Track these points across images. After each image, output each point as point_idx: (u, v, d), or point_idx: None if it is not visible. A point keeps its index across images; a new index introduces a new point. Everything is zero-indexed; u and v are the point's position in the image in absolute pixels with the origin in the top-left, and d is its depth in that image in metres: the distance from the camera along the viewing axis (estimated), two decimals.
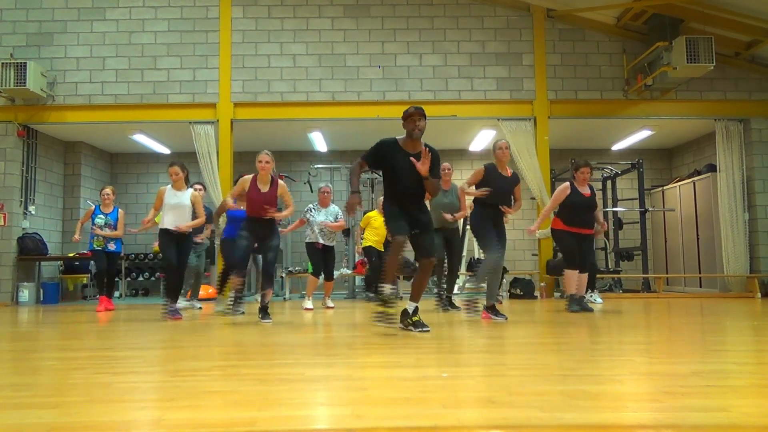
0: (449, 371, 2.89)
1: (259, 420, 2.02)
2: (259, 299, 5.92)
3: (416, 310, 4.80)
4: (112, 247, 7.83)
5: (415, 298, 4.85)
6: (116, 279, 11.08)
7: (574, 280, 6.60)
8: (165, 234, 6.43)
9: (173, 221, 6.40)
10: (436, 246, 6.74)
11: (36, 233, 10.13)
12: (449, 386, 2.52)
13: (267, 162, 5.79)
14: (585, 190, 6.60)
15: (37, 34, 10.07)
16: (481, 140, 11.62)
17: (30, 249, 9.85)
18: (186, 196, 6.51)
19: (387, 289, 4.66)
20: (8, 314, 7.53)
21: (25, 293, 9.67)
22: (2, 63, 9.38)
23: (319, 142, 11.80)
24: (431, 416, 2.02)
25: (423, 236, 4.80)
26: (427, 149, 4.71)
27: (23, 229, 10.04)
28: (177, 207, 6.44)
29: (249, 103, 10.03)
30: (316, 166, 11.67)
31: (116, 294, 11.03)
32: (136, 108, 9.99)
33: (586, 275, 6.68)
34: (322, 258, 7.62)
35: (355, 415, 2.04)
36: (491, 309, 5.66)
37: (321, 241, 7.54)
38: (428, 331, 4.65)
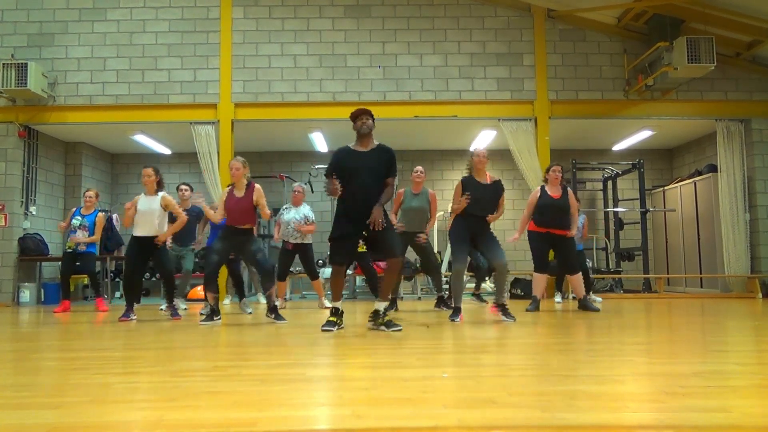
0: (450, 371, 2.89)
1: (260, 420, 2.02)
2: (264, 300, 5.95)
3: (386, 310, 4.95)
4: (82, 248, 7.69)
5: (383, 297, 4.99)
6: (116, 279, 11.18)
7: (541, 283, 6.90)
8: (133, 240, 6.40)
9: (141, 229, 6.34)
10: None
11: (37, 234, 10.13)
12: (450, 386, 2.52)
13: (237, 169, 5.80)
14: (555, 192, 6.70)
15: (37, 35, 10.08)
16: (482, 140, 11.62)
17: (31, 249, 9.85)
18: (155, 201, 6.42)
19: (338, 304, 4.99)
20: (9, 315, 7.53)
21: (26, 294, 9.68)
22: (3, 64, 9.38)
23: (319, 142, 11.80)
24: (432, 416, 2.02)
25: (380, 237, 4.85)
26: (379, 146, 4.98)
27: (24, 229, 10.04)
28: (144, 213, 6.35)
29: (250, 103, 10.03)
30: (316, 167, 11.66)
31: (116, 294, 11.07)
32: (137, 108, 10.00)
33: (578, 275, 6.72)
34: (291, 259, 7.63)
35: (356, 416, 2.04)
36: (457, 310, 5.68)
37: (292, 238, 7.54)
38: (400, 330, 4.77)
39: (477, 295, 8.38)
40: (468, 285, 9.78)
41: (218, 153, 9.89)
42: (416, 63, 10.13)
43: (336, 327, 4.87)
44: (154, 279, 11.50)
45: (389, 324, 4.83)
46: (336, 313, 4.96)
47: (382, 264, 9.44)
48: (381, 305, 4.93)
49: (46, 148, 10.73)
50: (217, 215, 5.92)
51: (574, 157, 11.50)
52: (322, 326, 4.88)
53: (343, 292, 5.50)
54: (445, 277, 8.87)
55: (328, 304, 7.85)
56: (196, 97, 10.02)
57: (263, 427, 1.94)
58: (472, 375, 2.81)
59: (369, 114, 5.02)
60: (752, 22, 9.11)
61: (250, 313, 6.95)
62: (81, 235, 7.65)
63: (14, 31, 10.08)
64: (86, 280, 11.09)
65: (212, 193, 9.73)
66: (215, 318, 5.73)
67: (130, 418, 2.09)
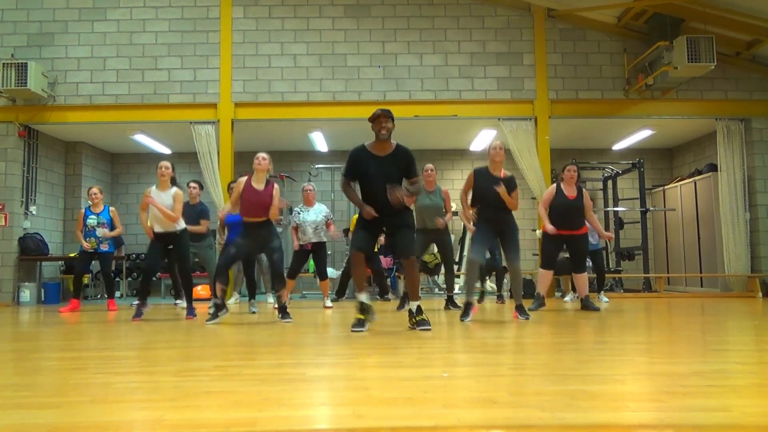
0: (450, 371, 2.89)
1: (260, 420, 2.02)
2: (274, 300, 5.96)
3: (419, 309, 4.87)
4: (104, 247, 7.73)
5: (413, 297, 4.94)
6: (116, 279, 11.19)
7: (546, 280, 6.85)
8: (155, 237, 6.40)
9: (158, 224, 6.34)
10: (417, 246, 6.89)
11: (37, 233, 10.13)
12: (450, 386, 2.52)
13: (264, 159, 5.79)
14: (571, 192, 6.66)
15: (37, 35, 10.07)
16: (482, 140, 11.62)
17: (31, 249, 9.85)
18: (168, 195, 6.40)
19: (362, 297, 4.87)
20: (9, 314, 7.53)
21: (26, 293, 9.67)
22: (3, 63, 9.38)
23: (319, 142, 11.80)
24: (432, 416, 2.02)
25: (397, 236, 4.88)
26: (397, 149, 4.88)
27: (24, 229, 10.04)
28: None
29: (250, 103, 10.03)
30: (316, 166, 11.67)
31: (117, 294, 11.07)
32: (137, 108, 9.99)
33: (584, 276, 6.73)
34: (306, 258, 7.66)
35: (356, 415, 2.04)
36: (468, 307, 5.69)
37: (313, 239, 7.56)
38: (429, 329, 4.73)
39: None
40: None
41: (218, 153, 9.89)
42: (416, 62, 10.13)
43: (366, 326, 4.74)
44: (154, 279, 11.48)
45: (421, 323, 4.80)
46: (363, 309, 4.81)
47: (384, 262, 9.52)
48: (414, 305, 4.90)
49: (46, 148, 10.73)
50: (231, 207, 5.93)
51: (574, 157, 11.50)
52: (352, 327, 4.75)
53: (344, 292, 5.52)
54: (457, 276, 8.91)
55: (329, 303, 7.87)
56: (196, 97, 10.02)
57: (264, 426, 1.94)
58: (472, 375, 2.81)
59: (388, 116, 4.83)
60: (752, 22, 9.11)
61: (254, 312, 6.99)
62: (101, 233, 7.67)
63: (14, 30, 10.08)
64: (86, 280, 11.09)
65: (212, 194, 9.73)
66: (220, 313, 5.68)
67: (131, 417, 2.09)
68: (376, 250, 8.84)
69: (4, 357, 3.66)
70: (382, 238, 9.19)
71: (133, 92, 10.01)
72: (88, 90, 10.00)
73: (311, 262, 8.25)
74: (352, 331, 4.68)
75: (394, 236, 4.94)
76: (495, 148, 5.83)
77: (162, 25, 10.12)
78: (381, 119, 4.81)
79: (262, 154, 5.82)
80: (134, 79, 10.04)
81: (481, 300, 8.12)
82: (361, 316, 4.80)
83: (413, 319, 4.86)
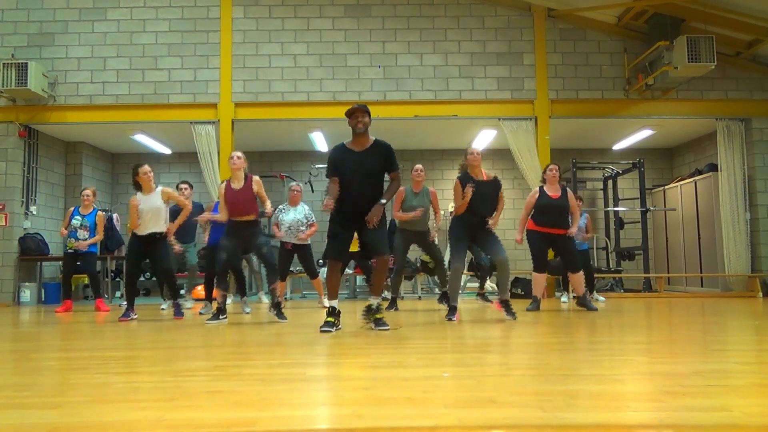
0: (450, 371, 2.89)
1: (260, 420, 2.02)
2: (266, 299, 5.95)
3: (379, 307, 4.92)
4: (84, 248, 7.64)
5: (376, 293, 4.97)
6: (116, 279, 11.17)
7: (541, 283, 6.92)
8: (134, 238, 6.37)
9: (150, 227, 6.31)
10: (397, 248, 6.88)
11: (37, 233, 10.13)
12: (450, 386, 2.52)
13: (239, 157, 5.80)
14: (554, 192, 6.71)
15: (38, 35, 10.08)
16: (482, 140, 11.62)
17: (31, 249, 9.86)
18: (156, 197, 6.38)
19: (334, 302, 4.96)
20: (10, 314, 7.53)
21: (27, 293, 9.68)
22: (3, 63, 9.38)
23: (320, 141, 11.79)
24: (432, 416, 2.02)
25: (369, 234, 4.85)
26: (375, 143, 4.86)
27: (24, 229, 10.04)
28: (149, 212, 6.31)
29: (250, 103, 10.03)
30: (317, 166, 11.67)
31: (117, 294, 11.07)
32: (137, 108, 10.00)
33: (579, 275, 6.72)
34: (290, 258, 7.64)
35: (356, 415, 2.04)
36: (453, 309, 5.71)
37: (291, 240, 7.53)
38: (387, 329, 4.76)
39: (481, 295, 8.37)
40: (470, 285, 9.79)
41: (218, 153, 9.89)
42: (416, 62, 10.13)
43: (334, 328, 4.80)
44: (154, 279, 11.48)
45: (378, 322, 4.83)
46: (333, 313, 4.89)
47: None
48: (374, 301, 4.94)
49: (46, 148, 10.73)
50: (222, 216, 5.89)
51: (575, 157, 11.50)
52: (321, 327, 4.83)
53: (344, 292, 5.48)
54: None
55: (327, 303, 7.85)
56: (197, 97, 10.02)
57: (263, 427, 1.94)
58: (473, 374, 2.81)
59: (365, 111, 4.83)
60: (752, 21, 9.11)
61: (248, 312, 6.95)
62: (82, 235, 7.63)
63: (14, 30, 10.08)
64: (86, 280, 11.09)
65: (212, 193, 9.73)
66: (221, 317, 5.71)
67: (131, 417, 2.09)
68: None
69: (4, 357, 3.67)
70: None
71: (134, 92, 10.01)
72: (88, 90, 10.01)
73: None
74: (321, 331, 4.72)
75: (365, 234, 4.87)
76: (472, 153, 5.87)
77: (162, 25, 10.12)
78: (357, 114, 4.81)
79: (236, 153, 5.85)
80: (134, 79, 10.04)
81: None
82: (331, 319, 4.85)
83: (370, 317, 4.90)
